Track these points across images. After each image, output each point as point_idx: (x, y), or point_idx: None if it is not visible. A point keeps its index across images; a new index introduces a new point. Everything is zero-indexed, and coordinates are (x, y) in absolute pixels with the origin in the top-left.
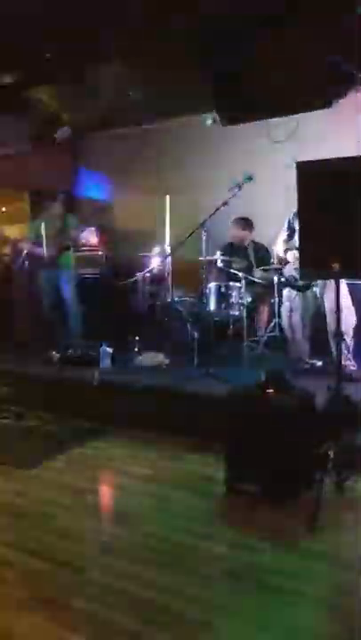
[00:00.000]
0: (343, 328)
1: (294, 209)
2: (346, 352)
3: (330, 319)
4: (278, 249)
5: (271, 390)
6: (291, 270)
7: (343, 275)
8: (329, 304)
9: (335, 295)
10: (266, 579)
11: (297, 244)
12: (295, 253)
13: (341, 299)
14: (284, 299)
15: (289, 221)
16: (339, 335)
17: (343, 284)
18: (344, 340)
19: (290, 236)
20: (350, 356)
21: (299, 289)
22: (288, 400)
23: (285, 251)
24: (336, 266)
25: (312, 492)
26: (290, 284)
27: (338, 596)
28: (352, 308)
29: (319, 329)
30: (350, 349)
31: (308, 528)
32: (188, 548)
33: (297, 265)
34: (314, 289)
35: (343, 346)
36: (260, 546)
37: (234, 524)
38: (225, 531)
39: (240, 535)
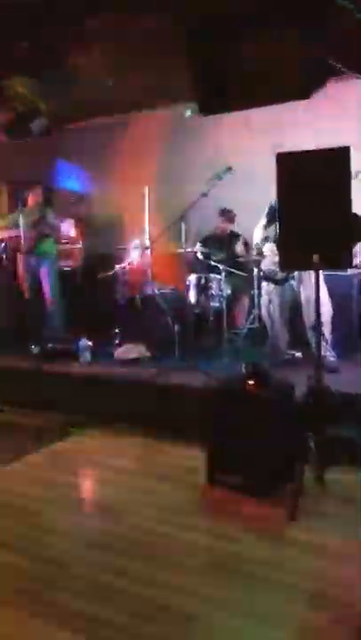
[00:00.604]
0: (322, 319)
1: (275, 197)
2: (324, 343)
3: (306, 311)
4: (256, 236)
5: (252, 382)
6: (269, 263)
7: (323, 266)
8: (305, 297)
9: (315, 286)
10: (249, 569)
11: (275, 233)
12: (273, 247)
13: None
14: (263, 292)
15: (271, 207)
16: (318, 327)
17: (320, 275)
18: (323, 333)
19: (269, 222)
20: (329, 347)
21: (276, 282)
22: (268, 392)
23: (263, 240)
24: (316, 257)
25: (293, 484)
26: (267, 277)
27: (320, 585)
28: (328, 300)
29: (297, 321)
30: (328, 341)
31: (289, 519)
32: (172, 539)
33: (274, 258)
34: (291, 282)
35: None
36: (243, 537)
37: (217, 515)
38: (209, 522)
39: (223, 526)
